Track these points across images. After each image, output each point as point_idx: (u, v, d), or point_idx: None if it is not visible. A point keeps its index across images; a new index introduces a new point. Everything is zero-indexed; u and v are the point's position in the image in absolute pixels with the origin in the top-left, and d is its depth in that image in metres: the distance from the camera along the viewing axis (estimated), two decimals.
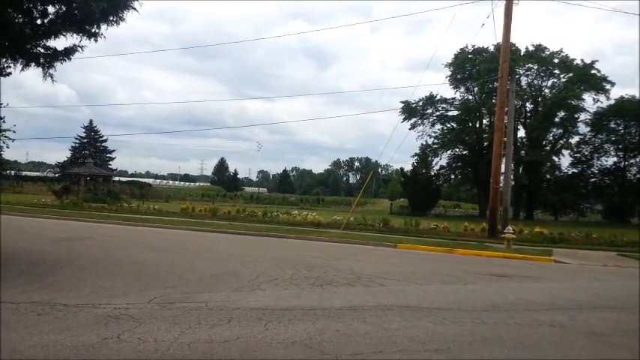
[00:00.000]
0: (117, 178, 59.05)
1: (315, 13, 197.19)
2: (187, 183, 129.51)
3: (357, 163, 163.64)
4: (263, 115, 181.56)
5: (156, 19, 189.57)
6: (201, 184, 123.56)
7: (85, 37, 10.07)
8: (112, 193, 37.41)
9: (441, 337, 5.41)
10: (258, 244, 15.44)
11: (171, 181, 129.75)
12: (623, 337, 5.78)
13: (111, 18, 9.87)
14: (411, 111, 57.71)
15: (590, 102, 56.39)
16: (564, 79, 56.11)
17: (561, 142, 59.61)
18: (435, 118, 60.02)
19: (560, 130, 58.56)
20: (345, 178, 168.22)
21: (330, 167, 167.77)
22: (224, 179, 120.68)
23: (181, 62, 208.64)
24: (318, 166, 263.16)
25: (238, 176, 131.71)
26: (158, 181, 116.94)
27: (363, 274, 9.79)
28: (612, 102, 56.45)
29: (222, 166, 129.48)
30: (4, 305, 6.17)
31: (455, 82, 57.73)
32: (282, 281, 8.76)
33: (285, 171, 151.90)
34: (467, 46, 57.30)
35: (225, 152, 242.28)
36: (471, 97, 59.00)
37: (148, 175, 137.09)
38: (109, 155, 68.49)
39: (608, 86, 55.85)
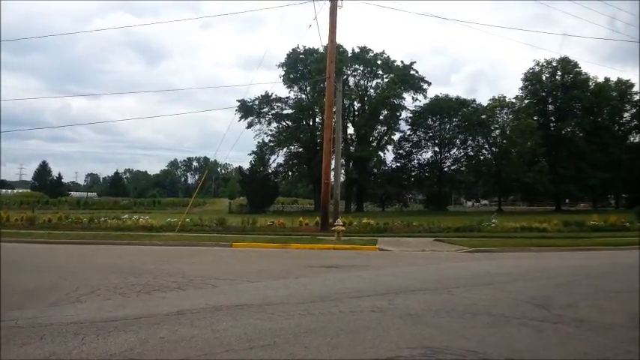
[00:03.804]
0: None
1: (138, 6, 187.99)
2: (4, 190, 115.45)
3: (195, 163, 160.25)
4: (89, 113, 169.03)
5: None
6: (21, 190, 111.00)
7: None
8: None
9: (268, 332, 5.48)
10: (82, 253, 14.29)
11: None
12: (434, 316, 6.33)
13: None
14: (247, 109, 57.98)
15: (410, 101, 61.69)
16: (387, 80, 60.56)
17: (385, 138, 64.35)
18: (271, 116, 61.02)
19: (385, 128, 63.19)
20: (183, 179, 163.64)
21: (166, 168, 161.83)
22: (46, 184, 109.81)
23: None
24: (154, 166, 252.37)
25: (63, 180, 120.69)
26: None
27: (196, 277, 9.56)
28: (428, 101, 62.36)
29: (43, 170, 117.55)
30: None
31: (288, 81, 59.26)
32: (106, 291, 8.19)
33: (116, 173, 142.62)
34: (298, 47, 59.05)
35: (46, 155, 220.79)
36: (304, 96, 60.99)
37: None
38: None
39: (425, 86, 61.55)
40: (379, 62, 60.94)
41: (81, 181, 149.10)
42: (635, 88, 68.17)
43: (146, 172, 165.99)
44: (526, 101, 67.30)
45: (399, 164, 66.15)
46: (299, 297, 7.50)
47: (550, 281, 9.43)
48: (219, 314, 6.37)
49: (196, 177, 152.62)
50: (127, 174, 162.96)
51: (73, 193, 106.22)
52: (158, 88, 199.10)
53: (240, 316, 6.23)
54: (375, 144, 62.10)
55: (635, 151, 66.51)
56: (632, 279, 9.97)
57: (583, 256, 15.00)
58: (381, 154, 63.29)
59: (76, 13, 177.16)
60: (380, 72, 61.25)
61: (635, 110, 68.93)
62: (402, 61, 61.75)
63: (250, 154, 61.64)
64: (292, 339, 5.24)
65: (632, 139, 70.28)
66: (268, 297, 7.54)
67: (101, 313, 6.51)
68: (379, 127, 62.67)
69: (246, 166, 64.06)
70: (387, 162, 64.85)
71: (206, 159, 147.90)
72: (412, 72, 61.02)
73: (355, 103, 61.88)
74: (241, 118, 57.74)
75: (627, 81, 69.04)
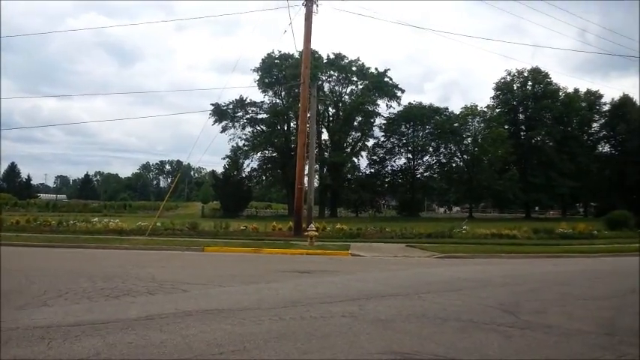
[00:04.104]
0: None
1: (111, 6, 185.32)
2: None
3: (168, 166, 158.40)
4: (60, 114, 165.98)
5: None
6: None
7: None
8: None
9: (239, 337, 5.42)
10: (50, 257, 13.98)
11: None
12: (405, 322, 6.33)
13: None
14: (221, 113, 57.70)
15: (384, 108, 62.25)
16: (361, 86, 61.00)
17: (360, 144, 64.75)
18: (245, 121, 60.83)
19: (359, 134, 63.56)
20: (155, 182, 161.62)
21: (138, 171, 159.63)
22: (15, 186, 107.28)
23: None
24: (126, 169, 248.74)
25: (32, 182, 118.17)
26: None
27: (166, 281, 9.41)
28: (402, 108, 63.03)
29: (12, 171, 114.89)
30: None
31: (263, 85, 59.18)
32: (74, 295, 8.01)
33: (87, 175, 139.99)
34: (273, 52, 59.08)
35: (15, 156, 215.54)
36: (279, 101, 60.99)
37: None
38: None
39: (399, 93, 62.18)
40: (354, 69, 61.36)
41: (50, 183, 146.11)
42: (604, 99, 70.18)
43: (117, 174, 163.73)
44: (497, 110, 68.57)
45: (372, 170, 66.62)
46: (270, 302, 7.45)
47: (519, 287, 9.56)
48: (189, 319, 6.28)
49: (169, 180, 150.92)
50: (98, 176, 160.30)
51: (43, 195, 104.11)
52: (131, 90, 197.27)
53: (211, 322, 6.15)
54: (349, 150, 62.40)
55: (604, 161, 68.29)
56: (599, 286, 10.19)
57: (551, 263, 15.30)
58: (355, 160, 63.73)
59: (48, 13, 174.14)
60: (354, 78, 61.68)
61: (603, 121, 70.82)
62: (376, 69, 62.39)
63: (224, 158, 61.37)
64: (262, 344, 5.19)
65: (600, 149, 72.18)
66: (239, 302, 7.47)
67: (68, 318, 6.36)
68: (353, 133, 63.04)
69: (219, 170, 63.73)
70: (361, 168, 65.34)
71: (179, 162, 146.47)
72: (386, 79, 61.59)
73: (330, 108, 62.16)
74: (215, 121, 57.48)
75: (596, 92, 71.05)
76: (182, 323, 6.06)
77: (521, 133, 68.75)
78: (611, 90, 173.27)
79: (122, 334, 5.58)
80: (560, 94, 68.20)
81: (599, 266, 14.94)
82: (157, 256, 14.45)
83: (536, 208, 77.97)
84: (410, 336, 5.67)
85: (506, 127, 65.38)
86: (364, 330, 5.87)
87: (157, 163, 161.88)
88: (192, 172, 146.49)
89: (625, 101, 68.01)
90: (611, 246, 21.05)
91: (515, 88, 69.23)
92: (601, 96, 70.58)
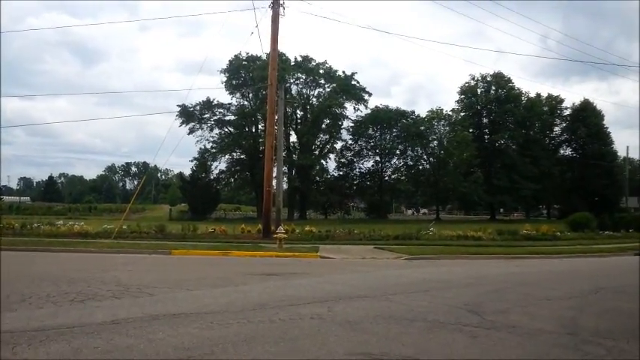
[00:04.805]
0: None
1: (73, 5, 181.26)
2: None
3: (134, 168, 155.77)
4: (23, 115, 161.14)
5: None
6: None
7: None
8: None
9: (207, 341, 5.39)
10: (12, 261, 13.56)
11: None
12: (372, 323, 6.40)
13: None
14: (188, 115, 57.06)
15: (352, 110, 62.60)
16: (329, 89, 61.17)
17: (328, 147, 64.91)
18: (213, 122, 60.29)
19: (327, 136, 63.70)
20: (121, 184, 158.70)
21: (103, 173, 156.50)
22: None
23: None
24: (91, 171, 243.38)
25: None
26: None
27: (132, 285, 9.28)
28: (369, 111, 63.49)
29: None
30: None
31: (231, 87, 58.76)
32: (38, 300, 7.82)
33: (51, 177, 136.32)
34: (240, 53, 58.75)
35: None
36: (246, 102, 60.65)
37: None
38: None
39: (366, 96, 62.58)
40: (321, 72, 61.52)
41: (13, 185, 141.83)
42: (565, 104, 72.16)
43: (82, 176, 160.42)
44: (462, 114, 69.80)
45: (341, 173, 66.88)
46: (239, 305, 7.42)
47: (483, 288, 9.77)
48: (156, 323, 6.21)
49: (135, 182, 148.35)
50: (62, 178, 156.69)
51: (5, 198, 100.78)
52: (95, 90, 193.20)
53: (178, 325, 6.09)
54: (317, 152, 62.51)
55: (565, 164, 70.16)
56: (562, 286, 10.46)
57: (515, 264, 15.65)
58: (324, 162, 63.88)
59: (9, 12, 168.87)
60: (322, 81, 61.84)
61: (564, 125, 72.78)
62: (343, 72, 62.70)
63: (192, 161, 60.67)
64: (231, 348, 5.18)
65: (562, 152, 74.11)
66: (207, 305, 7.41)
67: (33, 322, 6.22)
68: (321, 135, 63.19)
69: (187, 172, 62.96)
70: (330, 170, 65.48)
71: (145, 164, 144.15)
72: (354, 82, 61.96)
73: (298, 111, 62.13)
74: (182, 123, 56.79)
75: (557, 96, 73.05)
76: (149, 327, 6.00)
77: (485, 137, 70.11)
78: (571, 95, 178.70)
79: (87, 338, 5.50)
80: (523, 98, 69.83)
81: (561, 267, 15.37)
82: (123, 260, 14.21)
83: (501, 210, 79.62)
84: (377, 337, 5.73)
85: (470, 130, 66.56)
86: (333, 332, 5.91)
87: (122, 165, 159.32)
88: (159, 174, 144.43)
89: (585, 106, 70.07)
90: (573, 247, 21.67)
91: (479, 92, 70.60)
92: (562, 100, 72.68)
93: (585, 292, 9.59)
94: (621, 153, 67.73)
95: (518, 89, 69.55)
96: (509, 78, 69.24)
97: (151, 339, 5.48)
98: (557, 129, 74.09)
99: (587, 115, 68.41)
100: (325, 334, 5.78)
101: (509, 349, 5.42)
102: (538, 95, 72.30)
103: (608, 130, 70.01)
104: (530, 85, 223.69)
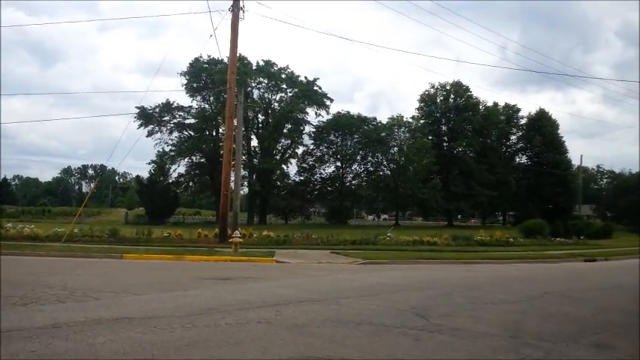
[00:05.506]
0: None
1: (30, 3, 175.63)
2: None
3: (91, 171, 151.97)
4: None
5: None
6: None
7: None
8: None
9: (148, 345, 5.29)
10: None
11: None
12: (320, 326, 6.41)
13: None
14: (147, 117, 56.10)
15: (313, 116, 62.79)
16: (291, 94, 61.20)
17: (289, 151, 64.87)
18: (172, 125, 59.45)
19: (289, 141, 63.66)
20: (77, 187, 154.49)
21: (59, 175, 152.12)
22: None
23: None
24: (46, 174, 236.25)
25: None
26: None
27: (78, 289, 9.03)
28: (331, 117, 63.82)
29: None
30: None
31: (191, 90, 58.10)
32: None
33: (4, 179, 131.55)
34: (201, 56, 58.15)
35: None
36: (207, 106, 60.06)
37: None
38: None
39: (328, 102, 62.87)
40: (283, 76, 61.52)
41: None
42: (522, 113, 74.18)
43: (37, 179, 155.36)
44: (422, 121, 70.97)
45: (302, 178, 66.94)
46: (185, 309, 7.31)
47: (432, 292, 9.92)
48: (97, 328, 6.06)
49: (92, 185, 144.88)
50: (17, 180, 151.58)
51: None
52: (52, 90, 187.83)
53: (120, 330, 5.96)
54: (278, 157, 62.36)
55: (521, 171, 72.07)
56: (509, 291, 10.73)
57: (466, 269, 15.97)
58: (285, 167, 63.78)
59: None
60: (284, 86, 61.84)
61: (520, 133, 74.81)
62: (305, 77, 62.86)
63: (149, 164, 59.58)
64: (172, 352, 5.10)
65: (517, 160, 76.12)
66: (153, 310, 7.28)
67: None
68: (283, 140, 63.11)
69: (145, 175, 61.80)
70: (291, 175, 65.43)
71: (103, 167, 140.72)
72: (315, 88, 62.19)
73: (259, 115, 61.92)
74: (141, 125, 55.76)
75: (514, 106, 75.16)
76: (90, 332, 5.86)
77: (444, 144, 71.43)
78: (528, 104, 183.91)
79: (25, 342, 5.34)
80: (481, 107, 71.49)
81: (511, 272, 15.76)
82: (72, 264, 13.83)
83: (459, 216, 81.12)
84: (323, 340, 5.75)
85: (430, 137, 67.73)
86: (279, 335, 5.90)
87: (79, 168, 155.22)
88: (117, 177, 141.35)
89: (541, 115, 72.18)
90: (524, 253, 22.26)
91: (438, 100, 71.94)
92: (518, 110, 74.78)
93: (531, 296, 9.87)
94: (575, 162, 70.14)
95: (477, 98, 71.25)
96: (468, 87, 70.90)
97: (90, 343, 5.35)
98: (513, 137, 76.15)
99: (542, 124, 70.41)
100: (271, 338, 5.76)
101: (451, 352, 5.52)
102: (495, 104, 74.23)
103: (563, 139, 72.11)
104: (488, 94, 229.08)
